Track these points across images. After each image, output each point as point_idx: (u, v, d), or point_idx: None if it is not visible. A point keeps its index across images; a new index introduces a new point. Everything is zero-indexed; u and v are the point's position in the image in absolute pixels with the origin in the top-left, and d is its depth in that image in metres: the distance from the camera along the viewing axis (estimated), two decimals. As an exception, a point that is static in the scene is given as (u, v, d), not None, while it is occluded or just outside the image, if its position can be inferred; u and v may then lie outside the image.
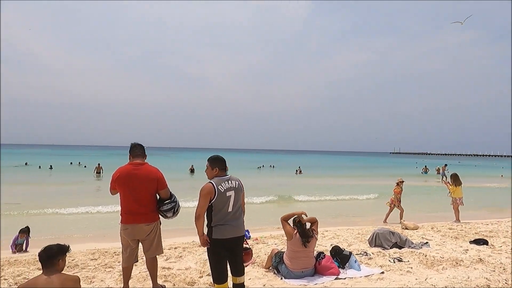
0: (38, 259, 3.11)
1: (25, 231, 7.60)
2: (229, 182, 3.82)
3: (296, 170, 36.78)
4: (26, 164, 40.83)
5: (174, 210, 4.20)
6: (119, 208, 4.18)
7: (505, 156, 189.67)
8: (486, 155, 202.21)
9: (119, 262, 6.07)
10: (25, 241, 7.63)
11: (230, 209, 3.74)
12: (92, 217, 12.15)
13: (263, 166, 47.58)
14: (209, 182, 3.79)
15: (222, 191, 3.71)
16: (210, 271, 5.34)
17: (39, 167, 36.87)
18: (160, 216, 4.23)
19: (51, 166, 36.57)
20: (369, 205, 16.19)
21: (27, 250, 7.61)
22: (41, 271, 5.88)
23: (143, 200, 4.03)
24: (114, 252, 6.86)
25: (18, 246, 7.50)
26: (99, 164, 29.85)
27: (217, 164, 3.89)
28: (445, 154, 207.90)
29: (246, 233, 7.41)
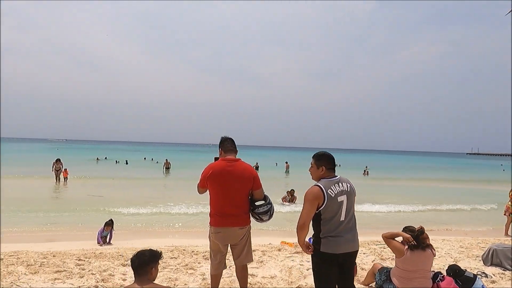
0: (130, 265, 2.79)
1: (110, 224, 7.75)
2: (340, 184, 3.12)
3: (364, 171, 34.80)
4: (105, 158, 44.37)
5: (271, 213, 3.68)
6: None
7: None
8: None
9: (199, 263, 5.80)
10: (109, 234, 7.78)
11: (342, 218, 3.06)
12: (163, 214, 12.33)
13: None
14: (316, 185, 3.11)
15: (333, 196, 3.04)
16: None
17: (116, 161, 39.85)
18: (253, 219, 3.74)
19: (127, 161, 39.24)
20: (465, 213, 14.34)
21: (111, 242, 7.76)
22: (125, 267, 5.98)
23: (238, 200, 3.56)
24: (192, 251, 6.63)
25: (103, 238, 7.67)
26: (166, 160, 31.31)
27: (324, 162, 3.20)
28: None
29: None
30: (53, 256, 6.07)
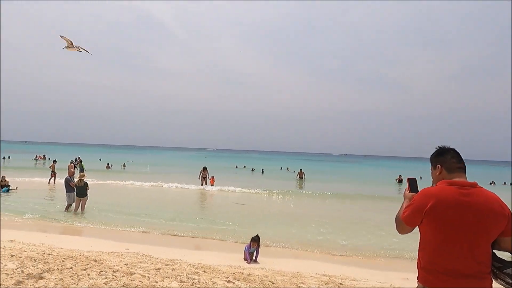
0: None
1: (256, 240, 7.25)
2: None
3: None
4: (244, 167, 47.18)
5: None
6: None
7: None
8: None
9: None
10: (255, 251, 7.29)
11: None
12: (306, 232, 11.45)
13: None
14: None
15: None
16: None
17: (252, 170, 41.88)
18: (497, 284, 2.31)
19: (262, 170, 40.80)
20: None
21: (257, 260, 7.24)
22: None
23: (477, 251, 2.19)
24: None
25: (250, 255, 7.21)
26: (301, 169, 30.97)
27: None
28: None
29: None
30: (204, 271, 5.83)
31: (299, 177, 30.38)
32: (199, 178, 22.11)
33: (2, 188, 16.74)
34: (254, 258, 7.26)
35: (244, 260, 7.15)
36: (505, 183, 35.02)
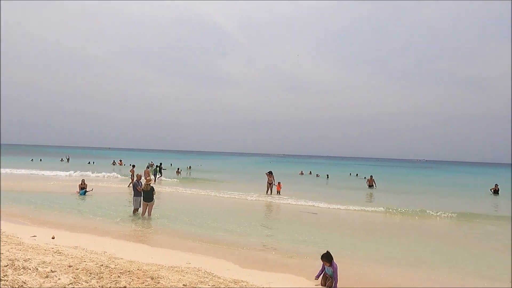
0: None
1: (327, 258, 6.00)
2: None
3: None
4: (310, 173, 45.53)
5: None
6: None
7: None
8: None
9: None
10: (332, 271, 6.07)
11: None
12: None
13: None
14: None
15: None
16: None
17: (317, 175, 40.21)
18: None
19: (327, 175, 39.04)
20: None
21: (336, 284, 6.01)
22: None
23: None
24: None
25: (326, 279, 6.03)
26: (371, 176, 28.40)
27: None
28: None
29: None
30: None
31: (369, 185, 27.59)
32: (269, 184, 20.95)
33: (81, 190, 17.77)
34: (333, 284, 6.04)
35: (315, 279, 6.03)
36: None
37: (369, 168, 68.14)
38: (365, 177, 37.51)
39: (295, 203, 17.20)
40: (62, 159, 55.08)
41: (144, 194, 12.08)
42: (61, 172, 29.74)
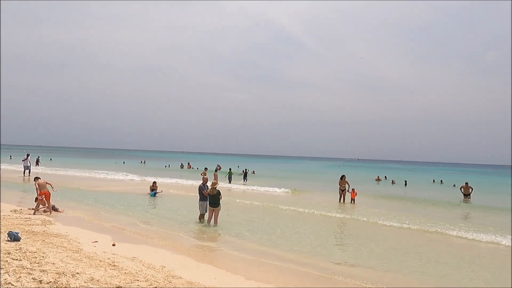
0: None
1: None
2: None
3: None
4: (385, 178, 41.81)
5: None
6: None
7: None
8: None
9: None
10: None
11: None
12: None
13: None
14: None
15: None
16: None
17: (393, 182, 36.44)
18: None
19: (405, 182, 35.35)
20: None
21: None
22: None
23: None
24: None
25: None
26: (466, 183, 23.90)
27: None
28: None
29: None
30: None
31: (464, 193, 22.82)
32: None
33: (151, 192, 17.90)
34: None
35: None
36: None
37: (455, 175, 61.10)
38: (454, 185, 33.10)
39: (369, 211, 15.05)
40: (141, 161, 61.54)
41: (210, 199, 11.29)
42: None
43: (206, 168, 25.49)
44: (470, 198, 22.72)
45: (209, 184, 11.77)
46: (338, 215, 14.54)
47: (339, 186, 18.94)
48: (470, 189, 23.02)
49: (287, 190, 23.40)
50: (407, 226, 12.40)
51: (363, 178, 39.96)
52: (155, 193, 17.88)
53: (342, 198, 18.66)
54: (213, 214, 11.28)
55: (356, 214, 14.89)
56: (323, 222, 12.97)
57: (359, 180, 33.56)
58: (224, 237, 9.74)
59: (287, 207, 15.74)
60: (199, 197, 11.77)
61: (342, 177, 19.03)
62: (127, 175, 30.46)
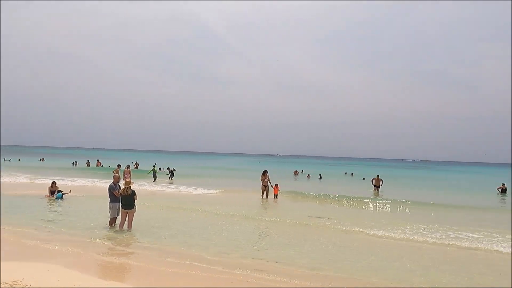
0: None
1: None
2: None
3: None
4: (301, 171, 43.65)
5: None
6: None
7: None
8: None
9: None
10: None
11: None
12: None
13: None
14: None
15: None
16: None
17: (308, 176, 38.36)
18: None
19: (320, 176, 37.25)
20: None
21: None
22: None
23: None
24: None
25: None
26: (377, 176, 25.91)
27: None
28: None
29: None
30: None
31: (375, 185, 24.23)
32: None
33: (58, 193, 15.44)
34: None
35: None
36: None
37: (367, 168, 66.91)
38: (364, 178, 35.58)
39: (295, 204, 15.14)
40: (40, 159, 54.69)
41: (123, 200, 9.92)
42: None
43: (119, 166, 23.23)
44: (379, 190, 24.03)
45: (121, 183, 10.37)
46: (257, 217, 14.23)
47: (261, 182, 18.62)
48: (381, 182, 24.56)
49: (216, 190, 21.88)
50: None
51: (282, 173, 40.95)
52: (62, 195, 15.48)
53: (265, 194, 18.38)
54: (127, 218, 9.93)
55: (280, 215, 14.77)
56: (244, 225, 12.49)
57: (280, 174, 34.23)
58: (137, 244, 8.50)
59: (211, 208, 14.89)
60: (109, 199, 10.26)
61: (264, 172, 18.73)
62: (19, 175, 26.02)
